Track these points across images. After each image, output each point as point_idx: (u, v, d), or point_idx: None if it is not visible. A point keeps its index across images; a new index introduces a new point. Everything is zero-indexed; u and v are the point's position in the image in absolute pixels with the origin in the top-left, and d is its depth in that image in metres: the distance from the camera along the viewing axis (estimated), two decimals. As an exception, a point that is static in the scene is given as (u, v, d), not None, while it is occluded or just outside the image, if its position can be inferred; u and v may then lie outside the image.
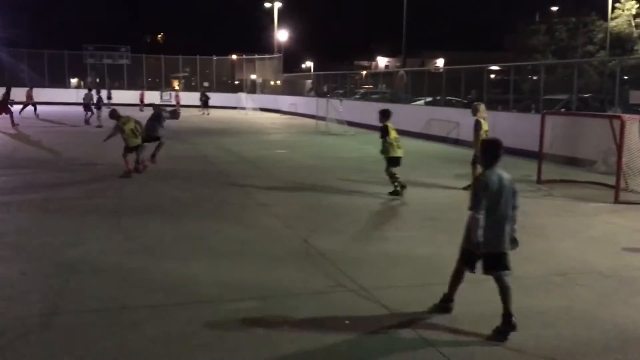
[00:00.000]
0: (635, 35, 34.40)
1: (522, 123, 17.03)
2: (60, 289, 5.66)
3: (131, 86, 45.25)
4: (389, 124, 10.53)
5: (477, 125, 10.63)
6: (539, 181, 12.12)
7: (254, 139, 21.63)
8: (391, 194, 10.53)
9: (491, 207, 4.81)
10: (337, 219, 8.84)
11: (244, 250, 7.11)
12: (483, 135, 10.99)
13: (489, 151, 5.14)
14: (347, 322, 5.01)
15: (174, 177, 12.36)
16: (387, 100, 27.48)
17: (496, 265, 4.91)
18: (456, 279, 5.28)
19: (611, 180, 10.76)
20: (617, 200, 10.20)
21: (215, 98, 42.34)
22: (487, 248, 4.85)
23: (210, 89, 44.16)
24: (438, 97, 23.15)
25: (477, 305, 5.44)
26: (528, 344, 4.63)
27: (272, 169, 13.87)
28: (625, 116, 10.83)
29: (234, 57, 50.98)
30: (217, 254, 6.93)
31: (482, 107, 11.03)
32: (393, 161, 10.46)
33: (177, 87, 49.15)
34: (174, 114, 15.42)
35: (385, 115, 10.42)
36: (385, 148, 10.42)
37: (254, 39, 57.78)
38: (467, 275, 5.25)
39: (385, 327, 4.93)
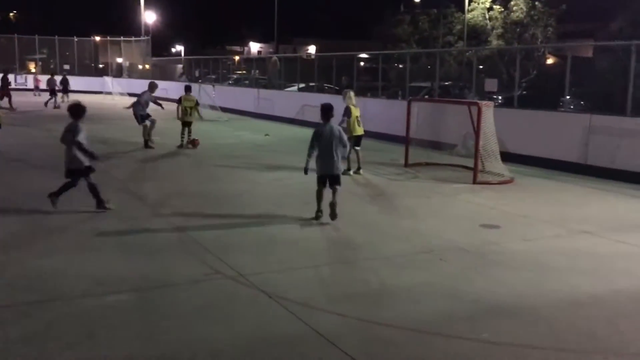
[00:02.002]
0: (489, 27, 37.04)
1: (390, 109, 17.76)
2: None
3: None
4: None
5: (347, 112, 11.42)
6: (406, 165, 12.75)
7: (121, 125, 20.58)
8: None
9: (325, 147, 7.71)
10: (213, 206, 8.71)
11: (112, 242, 6.80)
12: (353, 122, 11.44)
13: (324, 112, 7.89)
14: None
15: (28, 168, 11.44)
16: (261, 86, 27.40)
17: (334, 182, 7.83)
18: (319, 196, 7.94)
19: (470, 163, 11.57)
20: (475, 181, 11.00)
21: (77, 82, 39.68)
22: (327, 172, 7.80)
23: (71, 73, 41.22)
24: (312, 84, 23.48)
25: (351, 286, 5.63)
26: (399, 318, 4.86)
27: (142, 156, 13.36)
28: (482, 102, 11.66)
29: (98, 38, 47.91)
30: (84, 247, 6.57)
31: (351, 94, 11.72)
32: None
33: (34, 70, 45.31)
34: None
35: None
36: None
37: (119, 20, 54.60)
38: (342, 257, 5.39)
39: (264, 312, 4.96)
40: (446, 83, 23.45)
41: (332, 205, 7.70)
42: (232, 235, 7.24)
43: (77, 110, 8.01)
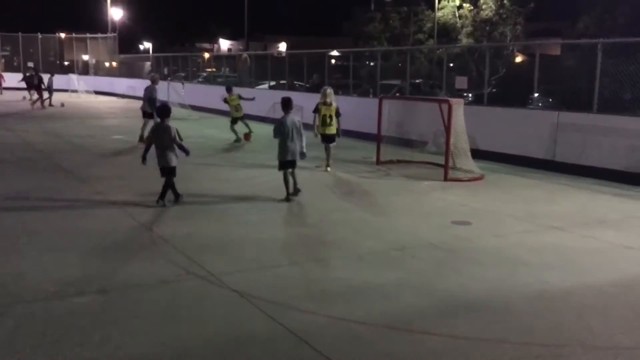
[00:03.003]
0: (459, 25, 37.39)
1: (361, 107, 17.77)
2: None
3: None
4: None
5: (315, 109, 11.83)
6: (378, 162, 12.77)
7: (88, 124, 20.22)
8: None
9: (287, 136, 8.82)
10: (183, 205, 8.58)
11: (78, 242, 6.63)
12: (321, 120, 11.44)
13: (284, 105, 9.06)
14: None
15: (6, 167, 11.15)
16: (232, 84, 27.18)
17: (293, 166, 8.99)
18: (287, 180, 8.99)
19: (441, 160, 11.64)
20: (446, 178, 11.07)
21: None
22: (290, 158, 8.90)
23: (36, 70, 40.19)
24: (283, 82, 23.38)
25: (321, 283, 5.60)
26: (371, 315, 4.85)
27: (109, 155, 13.13)
28: (452, 100, 11.73)
29: (63, 35, 46.80)
30: (47, 248, 6.40)
31: (326, 92, 11.80)
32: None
33: None
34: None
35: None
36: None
37: (85, 17, 53.45)
38: (314, 255, 5.37)
39: (235, 312, 4.90)
40: (417, 81, 23.58)
41: (294, 185, 9.11)
42: (202, 234, 7.14)
43: (167, 111, 8.59)
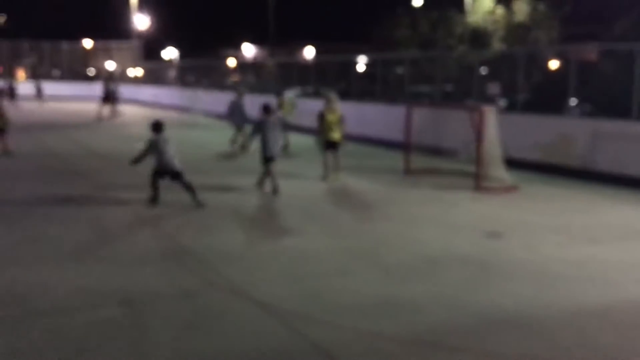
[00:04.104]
0: (491, 30, 36.89)
1: (388, 114, 17.58)
2: None
3: None
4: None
5: (319, 116, 11.56)
6: (407, 171, 12.53)
7: (112, 132, 20.43)
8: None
9: (268, 134, 9.93)
10: (205, 215, 8.52)
11: (102, 252, 6.61)
12: (327, 127, 11.41)
13: (264, 109, 10.19)
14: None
15: (18, 176, 11.18)
16: (257, 92, 27.24)
17: (270, 160, 9.96)
18: (271, 174, 10.07)
19: (472, 169, 11.36)
20: (478, 188, 10.79)
21: (66, 88, 39.54)
22: (272, 154, 9.96)
23: (62, 78, 40.84)
24: (310, 92, 23.32)
25: (348, 296, 5.43)
26: (399, 330, 4.70)
27: (139, 165, 13.13)
28: (484, 107, 11.46)
29: (88, 43, 47.44)
30: (71, 258, 6.37)
31: (331, 97, 11.60)
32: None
33: (23, 76, 44.79)
34: None
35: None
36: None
37: (110, 25, 54.08)
38: (340, 267, 5.34)
39: (259, 325, 4.77)
40: (446, 87, 23.26)
41: (273, 181, 10.05)
42: (225, 244, 7.05)
43: (161, 126, 9.12)
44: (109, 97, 25.37)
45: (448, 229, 8.10)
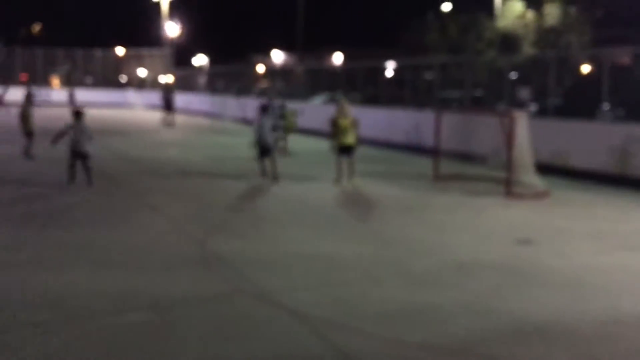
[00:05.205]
0: (521, 34, 36.43)
1: (417, 120, 17.47)
2: None
3: (5, 83, 40.26)
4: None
5: (331, 122, 11.69)
6: (436, 177, 12.43)
7: (144, 138, 20.70)
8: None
9: (264, 131, 11.70)
10: (234, 220, 8.57)
11: (132, 257, 6.67)
12: (340, 132, 11.45)
13: (262, 109, 12.49)
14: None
15: (53, 182, 11.29)
16: (286, 97, 27.33)
17: (268, 152, 11.73)
18: (262, 164, 11.95)
19: (503, 175, 11.20)
20: (508, 194, 10.63)
21: (99, 95, 40.21)
22: (265, 146, 11.70)
23: (95, 85, 41.64)
24: (338, 98, 23.31)
25: (377, 304, 5.39)
26: (427, 338, 4.64)
27: (164, 170, 13.30)
28: (515, 112, 11.30)
29: (121, 51, 48.26)
30: (102, 263, 6.45)
31: (342, 103, 11.84)
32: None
33: (57, 83, 45.71)
34: None
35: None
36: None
37: (142, 32, 54.88)
38: (368, 274, 5.25)
39: (286, 331, 4.76)
40: (476, 92, 23.02)
41: (273, 169, 11.76)
42: (253, 250, 7.06)
43: (80, 113, 11.17)
44: (168, 105, 26.39)
45: (478, 235, 8.00)
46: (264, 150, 11.81)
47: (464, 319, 5.09)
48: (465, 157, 14.66)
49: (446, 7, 42.10)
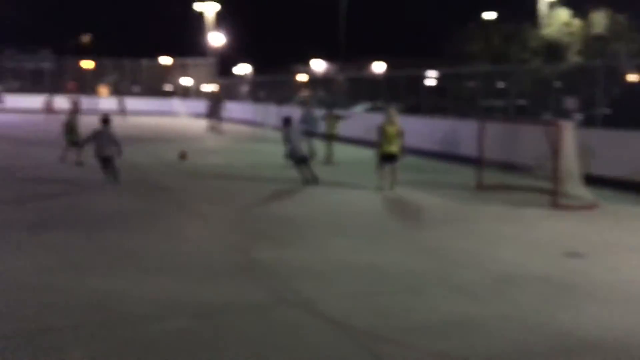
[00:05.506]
0: (566, 42, 35.69)
1: (459, 129, 17.26)
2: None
3: (55, 91, 39.85)
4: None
5: (378, 129, 11.82)
6: (479, 187, 12.23)
7: (188, 145, 20.96)
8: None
9: (294, 140, 12.43)
10: (277, 228, 8.59)
11: (176, 264, 6.73)
12: (384, 139, 11.56)
13: (285, 121, 12.81)
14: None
15: (100, 188, 11.55)
16: (326, 106, 27.41)
17: (303, 160, 12.43)
18: (300, 170, 12.48)
19: (548, 185, 10.95)
20: (555, 205, 10.38)
21: (145, 104, 41.03)
22: (298, 155, 12.41)
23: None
24: (379, 106, 23.26)
25: (420, 315, 5.31)
26: (473, 353, 4.54)
27: (209, 178, 13.46)
28: (561, 122, 11.04)
29: (166, 60, 49.31)
30: (147, 269, 6.53)
31: (390, 112, 11.94)
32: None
33: (105, 92, 46.92)
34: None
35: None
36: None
37: (186, 42, 56.09)
38: (411, 285, 5.23)
39: (331, 343, 4.73)
40: (520, 101, 22.62)
41: (310, 174, 12.34)
42: (297, 259, 7.05)
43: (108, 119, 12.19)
44: (215, 113, 27.07)
45: (524, 247, 7.82)
46: (297, 160, 12.41)
47: (510, 332, 4.97)
48: (508, 166, 14.38)
49: (488, 15, 41.54)
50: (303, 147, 12.58)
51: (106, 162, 11.72)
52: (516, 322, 5.19)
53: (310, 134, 16.32)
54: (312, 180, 12.20)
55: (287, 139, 12.61)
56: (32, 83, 43.76)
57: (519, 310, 5.47)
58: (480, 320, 5.22)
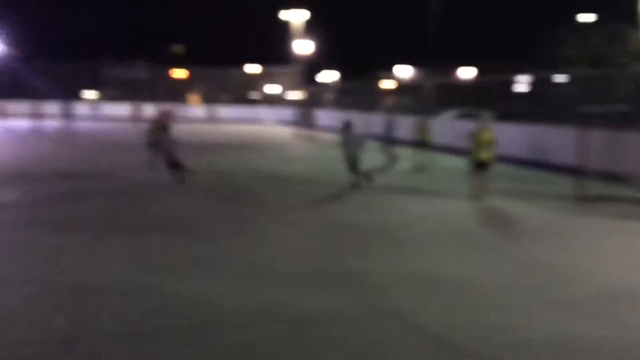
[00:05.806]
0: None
1: (554, 137, 16.49)
2: (77, 313, 5.32)
3: (150, 100, 41.39)
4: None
5: (470, 134, 11.46)
6: (579, 198, 11.58)
7: (274, 152, 21.25)
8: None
9: (350, 146, 12.83)
10: (370, 238, 8.46)
11: (270, 271, 6.74)
12: (477, 146, 11.17)
13: (345, 126, 13.01)
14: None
15: (196, 194, 11.84)
16: (415, 113, 27.03)
17: (355, 166, 12.80)
18: (351, 171, 12.85)
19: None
20: (663, 218, 9.65)
21: (233, 111, 42.10)
22: (352, 159, 12.74)
23: (233, 102, 43.89)
24: (468, 113, 22.64)
25: (524, 332, 5.03)
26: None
27: (298, 185, 13.53)
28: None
29: (254, 69, 50.52)
30: (242, 275, 6.58)
31: (485, 116, 11.50)
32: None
33: (197, 100, 48.65)
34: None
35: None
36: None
37: (275, 50, 57.15)
38: (511, 300, 4.82)
39: (424, 356, 4.57)
40: (623, 108, 21.35)
41: (356, 179, 12.84)
42: (393, 269, 6.90)
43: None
44: (306, 121, 28.16)
45: (631, 262, 7.29)
46: (352, 164, 12.80)
47: (620, 355, 4.61)
48: (610, 176, 13.56)
49: (584, 17, 39.66)
50: (357, 153, 12.77)
51: (173, 165, 13.08)
52: (627, 344, 4.81)
53: (391, 140, 16.31)
54: (354, 185, 12.72)
55: (344, 144, 13.00)
56: (127, 92, 46.05)
57: (628, 331, 5.07)
58: (587, 340, 4.88)
